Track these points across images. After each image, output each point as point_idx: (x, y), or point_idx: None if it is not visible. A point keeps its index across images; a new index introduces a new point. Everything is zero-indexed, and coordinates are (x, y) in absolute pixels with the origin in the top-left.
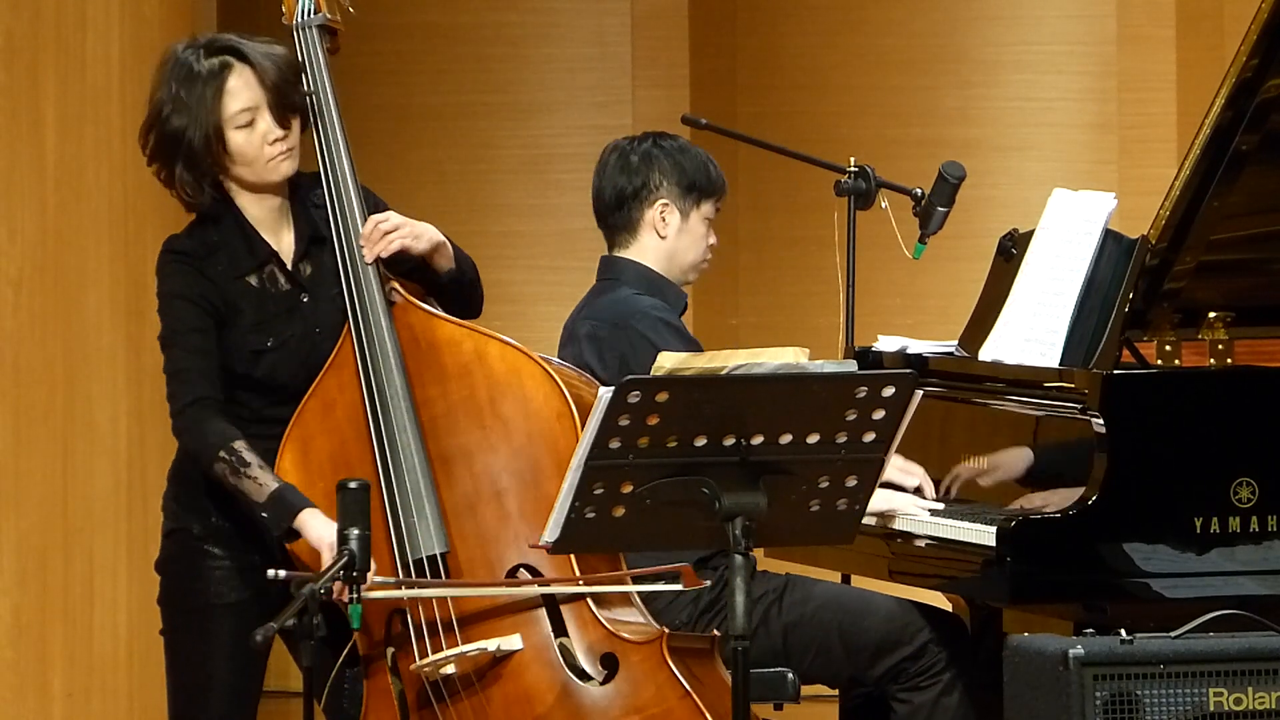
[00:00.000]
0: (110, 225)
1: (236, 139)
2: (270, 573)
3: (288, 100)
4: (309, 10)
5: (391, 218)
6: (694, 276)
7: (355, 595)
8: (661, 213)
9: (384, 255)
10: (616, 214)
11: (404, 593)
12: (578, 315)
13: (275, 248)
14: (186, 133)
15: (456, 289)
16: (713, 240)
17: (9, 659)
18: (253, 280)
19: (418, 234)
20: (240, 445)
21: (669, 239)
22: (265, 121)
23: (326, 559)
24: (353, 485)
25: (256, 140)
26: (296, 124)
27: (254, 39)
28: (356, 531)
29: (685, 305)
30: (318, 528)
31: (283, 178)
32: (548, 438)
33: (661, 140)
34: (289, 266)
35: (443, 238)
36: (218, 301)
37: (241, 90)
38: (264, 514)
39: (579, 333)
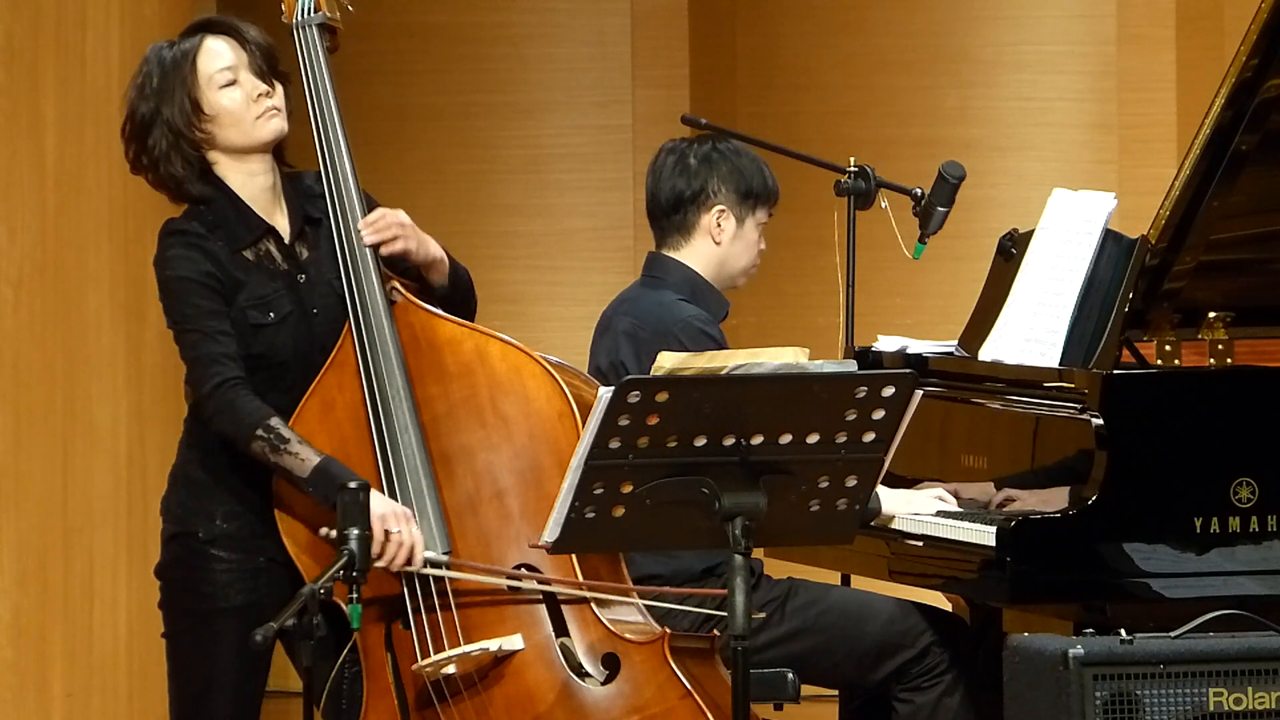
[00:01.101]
0: (110, 225)
1: (221, 100)
2: (322, 531)
3: (268, 62)
4: (308, 9)
5: (402, 215)
6: (742, 281)
7: (355, 595)
8: (718, 219)
9: (385, 252)
10: (672, 216)
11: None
12: (618, 307)
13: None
14: (162, 112)
15: (447, 306)
16: (762, 246)
17: (9, 659)
18: (249, 255)
19: (422, 240)
20: (276, 422)
21: (723, 245)
22: (248, 80)
23: (377, 531)
24: (352, 485)
25: (242, 99)
26: (280, 88)
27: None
28: (356, 531)
29: (727, 313)
30: (370, 501)
31: (274, 136)
32: (549, 437)
33: (720, 145)
34: (286, 241)
35: (443, 254)
36: (223, 277)
37: (219, 53)
38: (310, 488)
39: (618, 327)
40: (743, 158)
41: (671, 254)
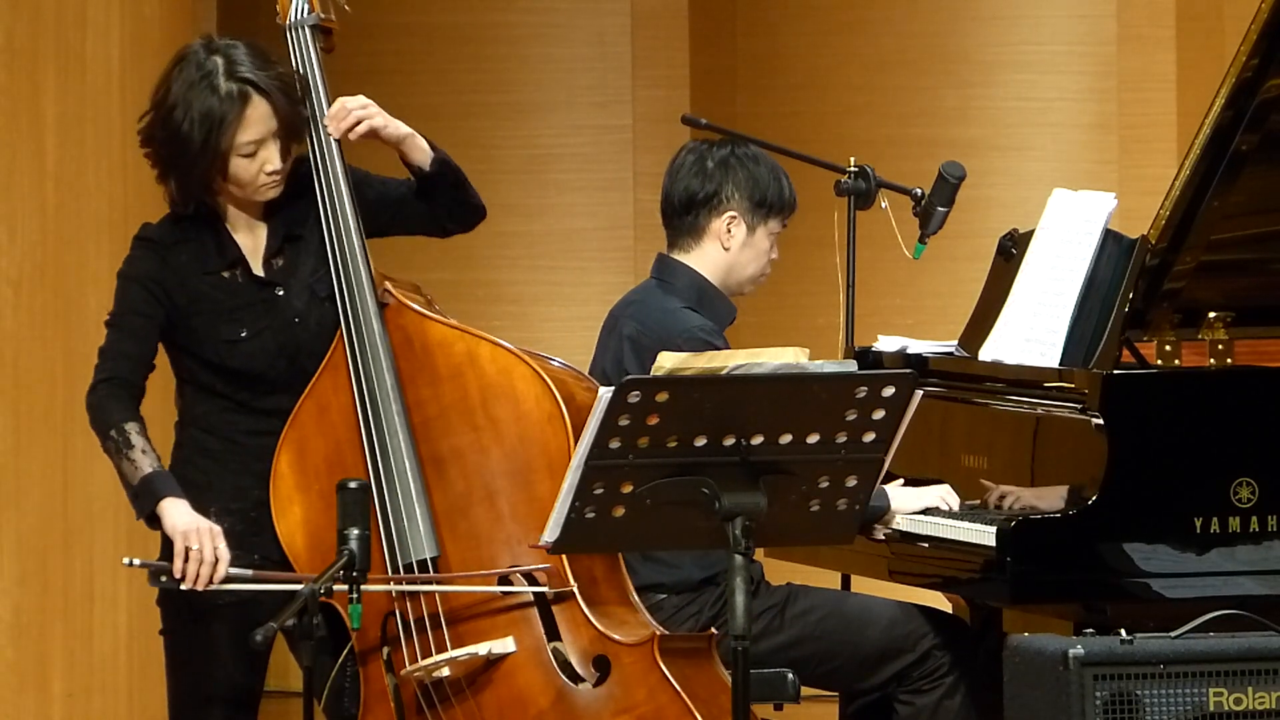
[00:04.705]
0: (110, 225)
1: (236, 165)
2: (125, 560)
3: (294, 132)
4: (303, 10)
5: (360, 98)
6: (751, 289)
7: (355, 595)
8: (729, 225)
9: (352, 136)
10: (683, 218)
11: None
12: (624, 309)
13: (248, 248)
14: (193, 142)
15: (443, 182)
16: (774, 255)
17: (9, 659)
18: (224, 274)
19: (388, 119)
20: (131, 427)
21: (732, 251)
22: (268, 152)
23: (178, 547)
24: (352, 485)
25: (254, 169)
26: (292, 152)
27: (266, 62)
28: (356, 531)
29: (734, 318)
30: (174, 515)
31: (267, 199)
32: (539, 439)
33: (739, 150)
34: (257, 270)
35: (414, 132)
36: (176, 290)
37: (255, 123)
38: (132, 496)
39: (623, 331)
40: (761, 165)
41: (681, 256)
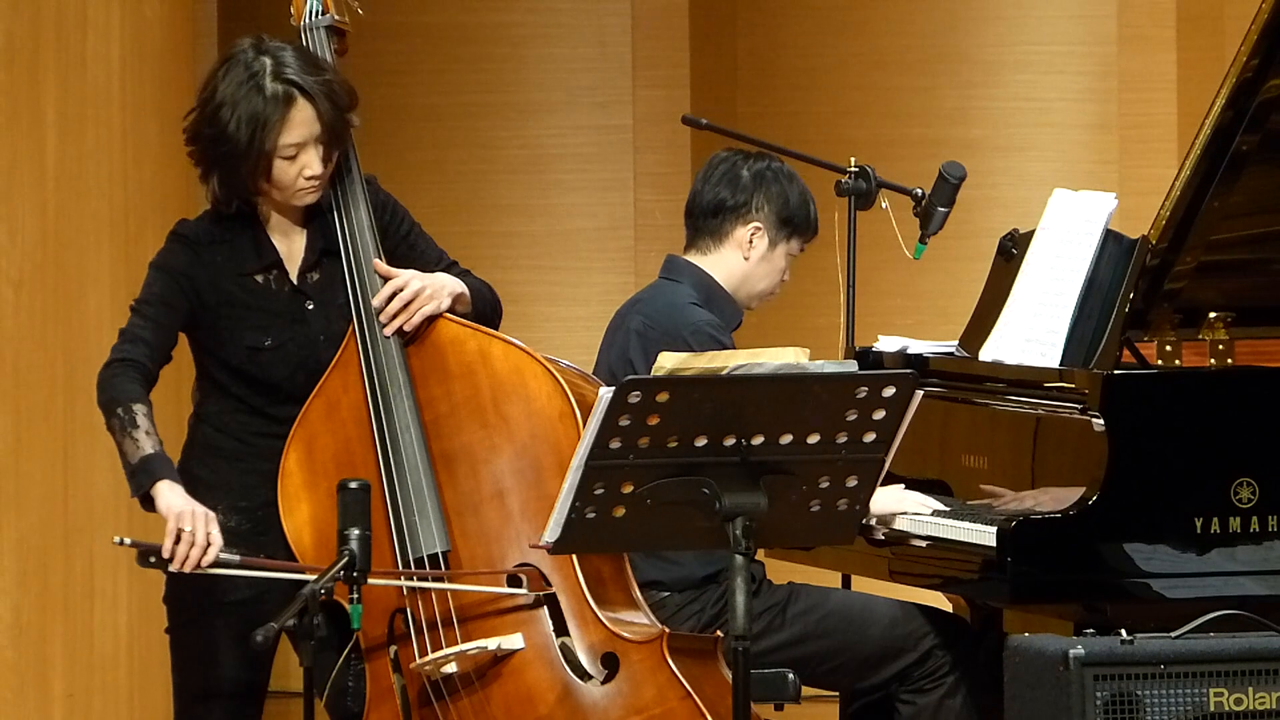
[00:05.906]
0: (110, 225)
1: (276, 167)
2: (116, 539)
3: (336, 139)
4: (317, 11)
5: (412, 284)
6: (757, 304)
7: (356, 595)
8: (752, 235)
9: (409, 329)
10: (709, 220)
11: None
12: (632, 306)
13: (285, 253)
14: (239, 141)
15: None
16: (787, 276)
17: (9, 659)
18: (259, 279)
19: (437, 289)
20: (139, 408)
21: (751, 262)
22: (308, 156)
23: (170, 528)
24: (353, 485)
25: (294, 172)
26: (334, 158)
27: (315, 67)
28: (357, 531)
29: (739, 323)
30: (166, 497)
31: (304, 204)
32: (550, 438)
33: (774, 165)
34: (292, 277)
35: (461, 287)
36: (206, 288)
37: (298, 126)
38: (129, 475)
39: (630, 325)
40: (794, 185)
41: (696, 258)
